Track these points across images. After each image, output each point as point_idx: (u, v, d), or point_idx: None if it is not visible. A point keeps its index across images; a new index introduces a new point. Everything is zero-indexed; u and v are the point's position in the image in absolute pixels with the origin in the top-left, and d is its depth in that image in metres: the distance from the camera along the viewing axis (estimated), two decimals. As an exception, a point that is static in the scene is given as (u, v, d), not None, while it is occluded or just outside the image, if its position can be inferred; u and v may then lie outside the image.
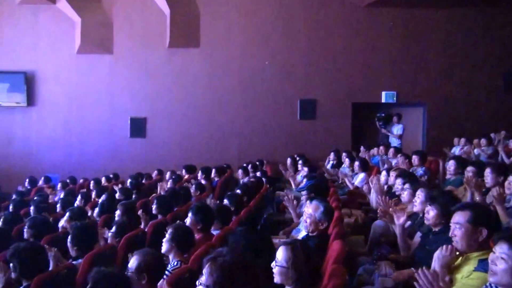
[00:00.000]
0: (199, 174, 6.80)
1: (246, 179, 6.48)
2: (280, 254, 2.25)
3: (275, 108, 9.87)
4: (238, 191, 4.94)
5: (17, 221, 4.41)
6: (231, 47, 9.92)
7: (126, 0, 10.10)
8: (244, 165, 7.73)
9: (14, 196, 6.31)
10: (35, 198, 5.87)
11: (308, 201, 3.68)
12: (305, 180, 5.23)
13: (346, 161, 7.07)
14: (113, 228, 3.82)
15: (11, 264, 2.83)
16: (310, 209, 3.36)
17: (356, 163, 6.44)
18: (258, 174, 6.93)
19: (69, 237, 3.41)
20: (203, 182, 6.26)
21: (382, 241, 3.61)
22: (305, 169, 6.50)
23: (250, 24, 9.88)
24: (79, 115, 10.31)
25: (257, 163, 8.27)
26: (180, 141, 9.94)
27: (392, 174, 4.90)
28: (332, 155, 7.98)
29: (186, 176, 7.28)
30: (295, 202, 4.57)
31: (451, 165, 5.08)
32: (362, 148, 8.10)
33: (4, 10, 10.39)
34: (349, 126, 9.75)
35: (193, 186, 5.80)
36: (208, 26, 9.87)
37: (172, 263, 2.99)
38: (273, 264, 2.26)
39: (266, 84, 9.88)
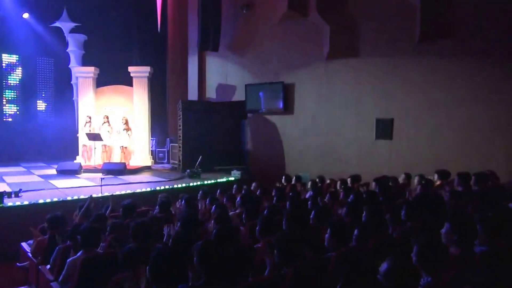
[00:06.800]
0: (455, 180, 6.01)
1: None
2: None
3: None
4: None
5: (277, 212, 4.94)
6: (495, 32, 8.30)
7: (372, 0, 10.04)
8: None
9: (274, 192, 7.11)
10: (290, 194, 6.43)
11: None
12: None
13: None
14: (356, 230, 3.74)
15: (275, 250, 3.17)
16: None
17: None
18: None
19: (328, 231, 3.54)
20: (459, 189, 5.50)
21: None
22: None
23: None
24: (327, 118, 10.90)
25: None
26: (431, 143, 9.11)
27: None
28: None
29: (438, 182, 6.59)
30: None
31: None
32: None
33: (266, 31, 12.09)
34: None
35: (447, 193, 5.15)
36: (465, 11, 8.60)
37: (426, 278, 2.69)
38: None
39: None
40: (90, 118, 12.91)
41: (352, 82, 10.41)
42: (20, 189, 7.91)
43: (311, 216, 4.68)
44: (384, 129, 9.77)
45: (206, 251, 2.74)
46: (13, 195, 7.58)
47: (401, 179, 7.34)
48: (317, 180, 8.07)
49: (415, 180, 6.87)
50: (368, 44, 10.09)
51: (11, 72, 15.66)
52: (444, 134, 8.98)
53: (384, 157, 9.69)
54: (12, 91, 15.70)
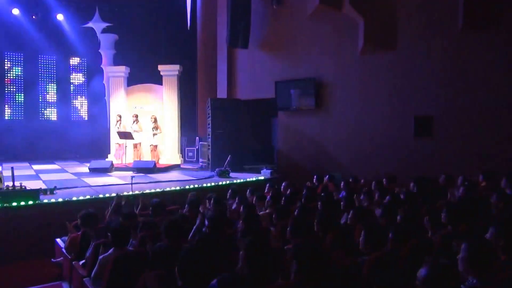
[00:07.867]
0: (503, 181, 5.62)
1: None
2: None
3: None
4: None
5: (309, 213, 4.76)
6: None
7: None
8: None
9: (304, 191, 6.91)
10: (322, 194, 6.24)
11: None
12: None
13: None
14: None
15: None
16: None
17: None
18: None
19: (362, 234, 3.42)
20: (507, 192, 5.14)
21: None
22: None
23: None
24: (362, 115, 10.52)
25: None
26: (476, 142, 8.61)
27: None
28: None
29: (484, 183, 6.18)
30: None
31: None
32: None
33: (297, 26, 11.83)
34: None
35: (494, 195, 4.81)
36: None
37: (471, 280, 2.57)
38: None
39: None
40: (120, 116, 13.10)
41: (388, 77, 9.99)
42: (55, 186, 8.09)
43: (349, 216, 4.52)
44: (424, 126, 9.30)
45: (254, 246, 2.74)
46: (48, 192, 7.75)
47: (441, 179, 6.95)
48: (351, 180, 7.79)
49: (458, 181, 6.49)
50: (405, 36, 9.64)
51: (47, 72, 16.16)
52: (490, 132, 8.45)
53: (423, 156, 9.23)
54: (47, 91, 16.20)
